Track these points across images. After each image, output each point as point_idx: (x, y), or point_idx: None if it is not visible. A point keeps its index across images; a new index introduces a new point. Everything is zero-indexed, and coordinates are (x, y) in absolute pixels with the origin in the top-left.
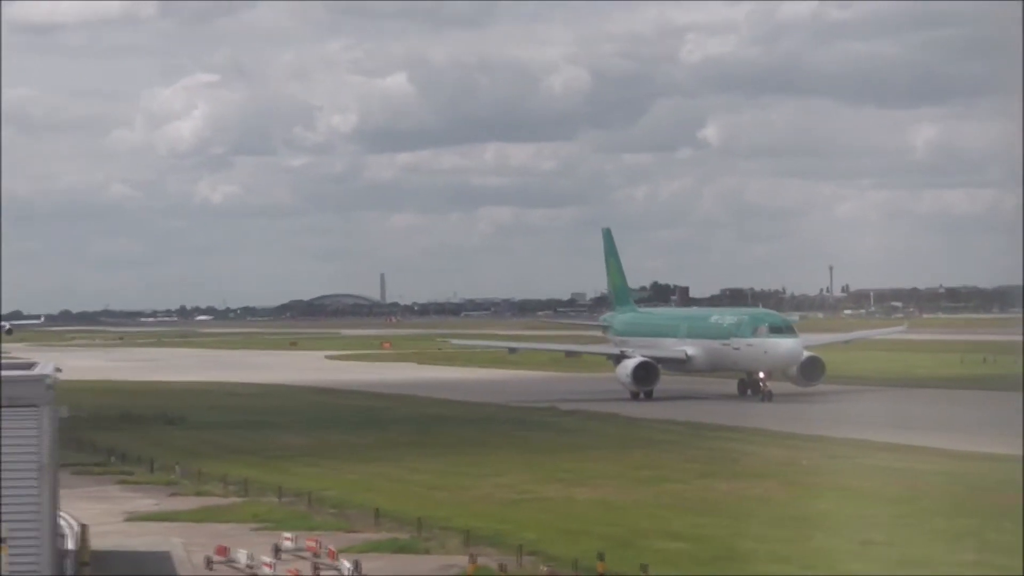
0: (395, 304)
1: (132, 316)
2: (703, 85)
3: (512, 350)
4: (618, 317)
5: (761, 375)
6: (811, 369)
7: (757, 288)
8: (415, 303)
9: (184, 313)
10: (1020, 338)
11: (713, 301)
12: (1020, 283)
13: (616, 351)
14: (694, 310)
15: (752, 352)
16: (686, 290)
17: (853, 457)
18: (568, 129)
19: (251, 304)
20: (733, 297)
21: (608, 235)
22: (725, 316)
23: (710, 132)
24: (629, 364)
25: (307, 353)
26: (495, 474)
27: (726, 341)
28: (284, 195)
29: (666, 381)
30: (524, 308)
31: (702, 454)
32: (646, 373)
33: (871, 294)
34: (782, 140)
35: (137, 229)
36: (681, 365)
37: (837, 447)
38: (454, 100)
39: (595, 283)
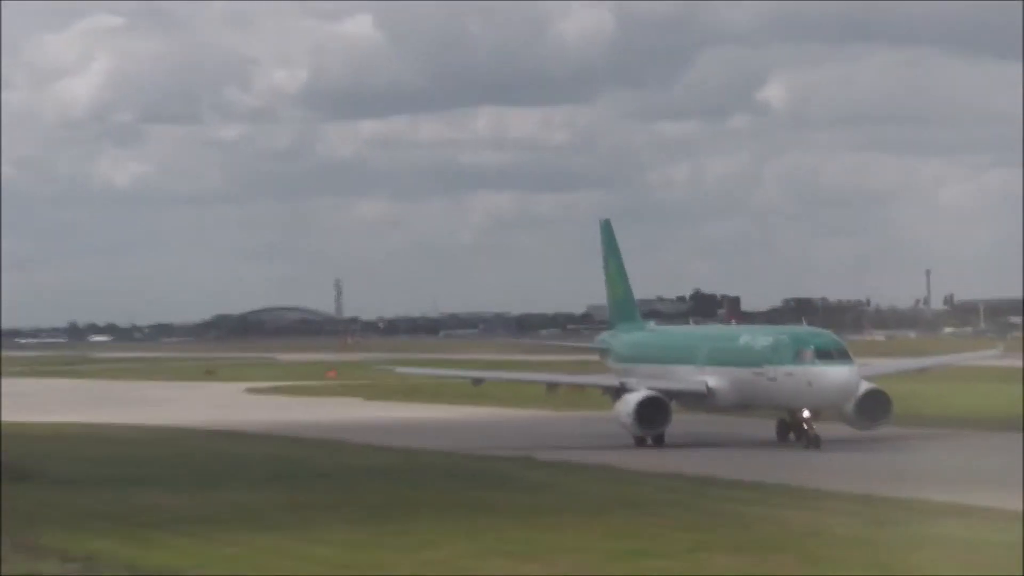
0: (354, 320)
1: (7, 336)
2: (765, 30)
3: (477, 381)
4: (620, 338)
5: (805, 414)
6: (873, 406)
7: (832, 298)
8: (380, 318)
9: (75, 332)
10: None
11: (772, 316)
12: None
13: (615, 382)
14: (721, 328)
15: (792, 384)
16: (736, 301)
17: (905, 523)
18: (586, 89)
19: (166, 320)
20: (799, 310)
21: (607, 228)
22: (758, 336)
23: (773, 93)
24: (631, 400)
25: (225, 385)
26: (426, 546)
27: (759, 369)
28: (212, 176)
29: (684, 422)
30: (523, 325)
31: (704, 519)
32: (654, 412)
33: (980, 307)
34: (870, 104)
35: (17, 221)
36: (701, 400)
37: (888, 509)
38: (436, 50)
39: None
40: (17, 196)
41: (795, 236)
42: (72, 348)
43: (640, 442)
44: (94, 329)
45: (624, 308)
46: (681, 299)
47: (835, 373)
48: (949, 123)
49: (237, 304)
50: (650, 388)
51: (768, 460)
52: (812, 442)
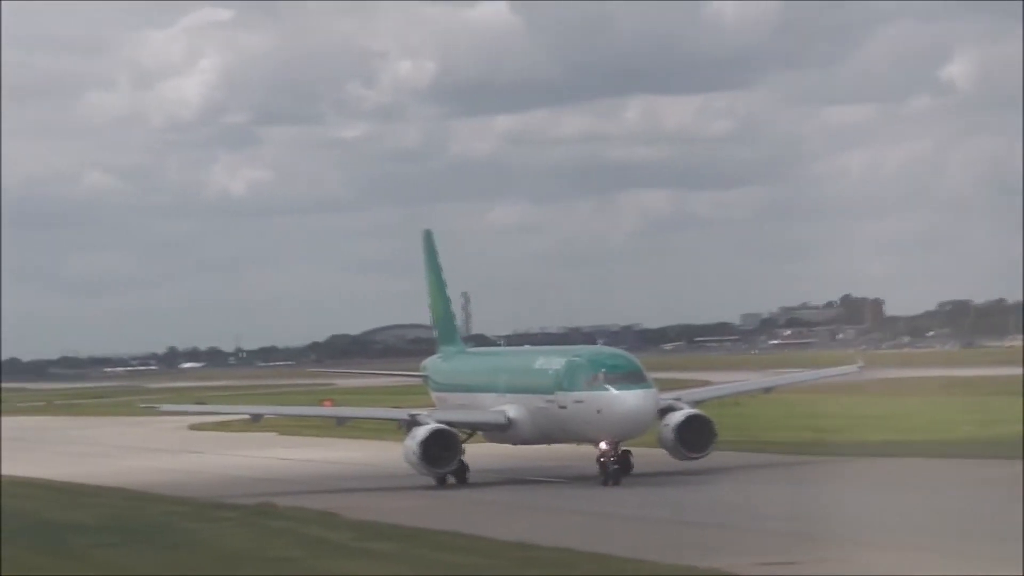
0: (479, 337)
1: (97, 364)
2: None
3: (255, 417)
4: (436, 364)
5: (603, 446)
6: (692, 434)
7: (1008, 299)
8: (499, 336)
9: (172, 357)
10: None
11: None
12: None
13: (404, 415)
14: (525, 351)
15: (582, 412)
16: (879, 305)
17: None
18: (747, 73)
19: (275, 343)
20: (955, 312)
21: (429, 238)
22: (552, 358)
23: (960, 70)
24: (417, 435)
25: (177, 421)
26: None
27: (551, 396)
28: (332, 181)
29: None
30: (658, 338)
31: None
32: (441, 448)
33: None
34: None
35: (121, 236)
36: (504, 432)
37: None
38: (578, 36)
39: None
40: (120, 209)
41: (980, 230)
42: (156, 376)
43: (441, 481)
44: (190, 355)
45: (445, 329)
46: (830, 304)
47: (626, 399)
48: None
49: (357, 322)
50: (440, 421)
51: (547, 499)
52: (610, 477)
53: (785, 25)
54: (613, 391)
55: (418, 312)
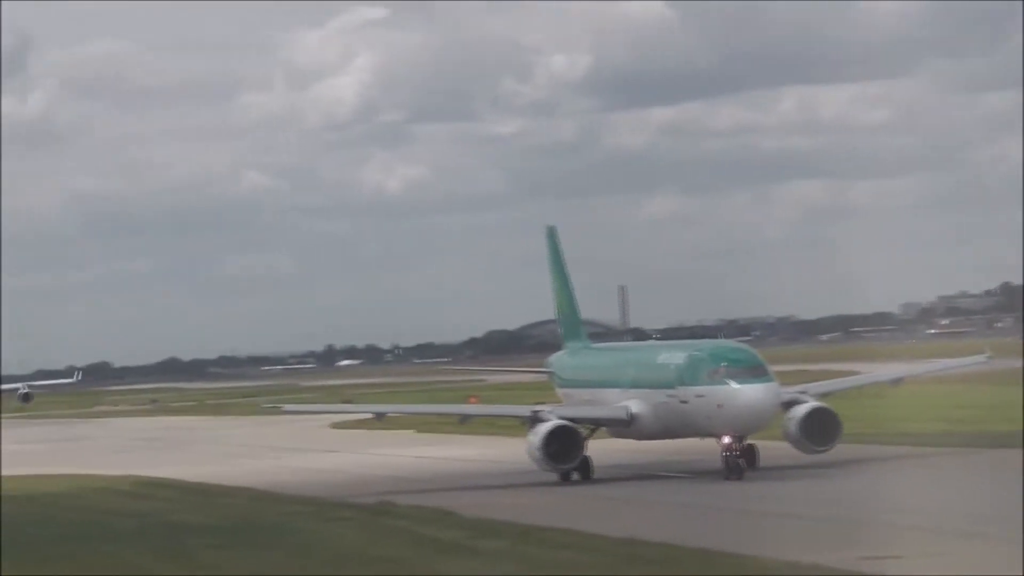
0: (635, 330)
1: (255, 363)
2: None
3: (378, 416)
4: (562, 359)
5: (725, 439)
6: (817, 427)
7: None
8: (655, 330)
9: (329, 356)
10: None
11: None
12: None
13: (526, 412)
14: (649, 345)
15: (703, 406)
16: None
17: None
18: (904, 60)
19: (433, 339)
20: None
21: (552, 236)
22: (675, 353)
23: None
24: (540, 432)
25: (320, 420)
26: None
27: (672, 391)
28: (487, 178)
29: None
30: (814, 328)
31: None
32: (563, 444)
33: None
34: None
35: (279, 236)
36: (626, 427)
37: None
38: (732, 26)
39: (942, 285)
40: (277, 209)
41: None
42: (312, 374)
43: (564, 477)
44: (348, 353)
45: (570, 325)
46: (989, 293)
47: (747, 393)
48: None
49: (514, 318)
50: (562, 417)
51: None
52: (733, 471)
53: (942, 10)
54: (734, 385)
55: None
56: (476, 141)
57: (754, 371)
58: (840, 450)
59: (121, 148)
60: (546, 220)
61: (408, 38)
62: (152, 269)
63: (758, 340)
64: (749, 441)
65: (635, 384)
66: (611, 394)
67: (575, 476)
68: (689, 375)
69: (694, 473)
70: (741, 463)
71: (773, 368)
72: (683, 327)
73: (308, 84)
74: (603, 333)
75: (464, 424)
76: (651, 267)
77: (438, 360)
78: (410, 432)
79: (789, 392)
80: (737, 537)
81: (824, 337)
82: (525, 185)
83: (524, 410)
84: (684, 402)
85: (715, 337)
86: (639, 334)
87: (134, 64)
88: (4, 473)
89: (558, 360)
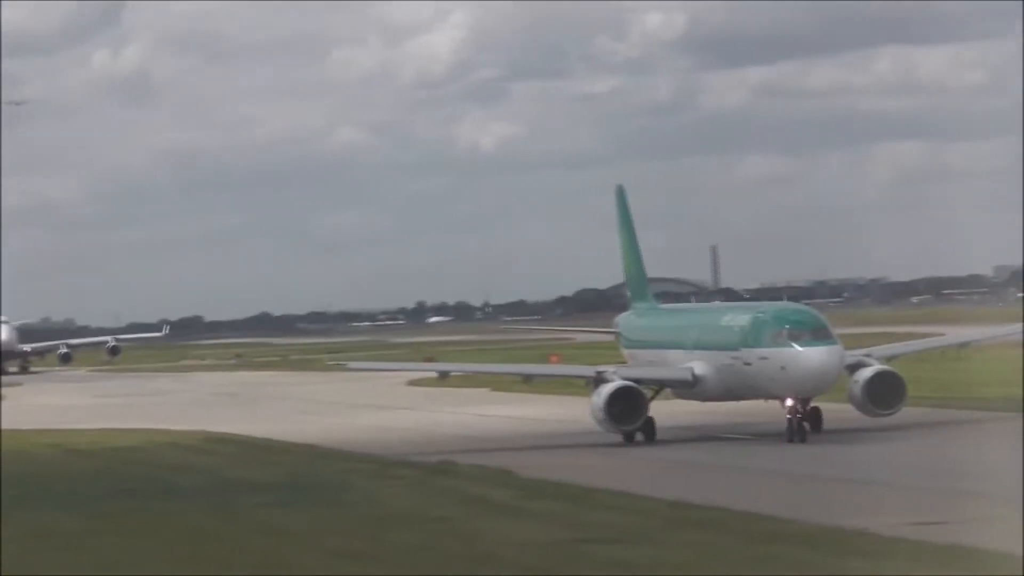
0: (726, 290)
1: (345, 319)
2: None
3: (443, 374)
4: (629, 320)
5: (788, 402)
6: (882, 390)
7: None
8: (745, 289)
9: (419, 312)
10: None
11: None
12: None
13: (591, 372)
14: (715, 307)
15: (766, 368)
16: None
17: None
18: (1001, 21)
19: (524, 297)
20: None
21: (621, 195)
22: (739, 315)
23: None
24: (603, 392)
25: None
26: None
27: (736, 353)
28: (581, 136)
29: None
30: (905, 291)
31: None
32: (626, 405)
33: None
34: None
35: (372, 192)
36: (690, 389)
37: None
38: None
39: None
40: (371, 166)
41: None
42: (401, 330)
43: (628, 438)
44: (438, 310)
45: (637, 286)
46: None
47: (810, 356)
48: None
49: (606, 276)
50: (625, 378)
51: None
52: (797, 434)
53: None
54: (797, 348)
55: (665, 266)
56: (570, 99)
57: (817, 333)
58: (908, 414)
59: (215, 104)
60: (640, 179)
61: None
62: (245, 225)
63: (848, 301)
64: (814, 404)
65: (699, 345)
66: (675, 355)
67: (639, 437)
68: (752, 337)
69: (759, 436)
70: (804, 426)
71: (860, 329)
72: (774, 287)
73: (403, 41)
74: (694, 293)
75: (535, 383)
76: (744, 227)
77: (528, 318)
78: (485, 390)
79: (854, 355)
80: (789, 500)
81: (915, 299)
82: (619, 144)
83: (588, 370)
84: (747, 364)
85: (799, 299)
86: (729, 294)
87: (229, 20)
88: (80, 427)
89: (624, 320)
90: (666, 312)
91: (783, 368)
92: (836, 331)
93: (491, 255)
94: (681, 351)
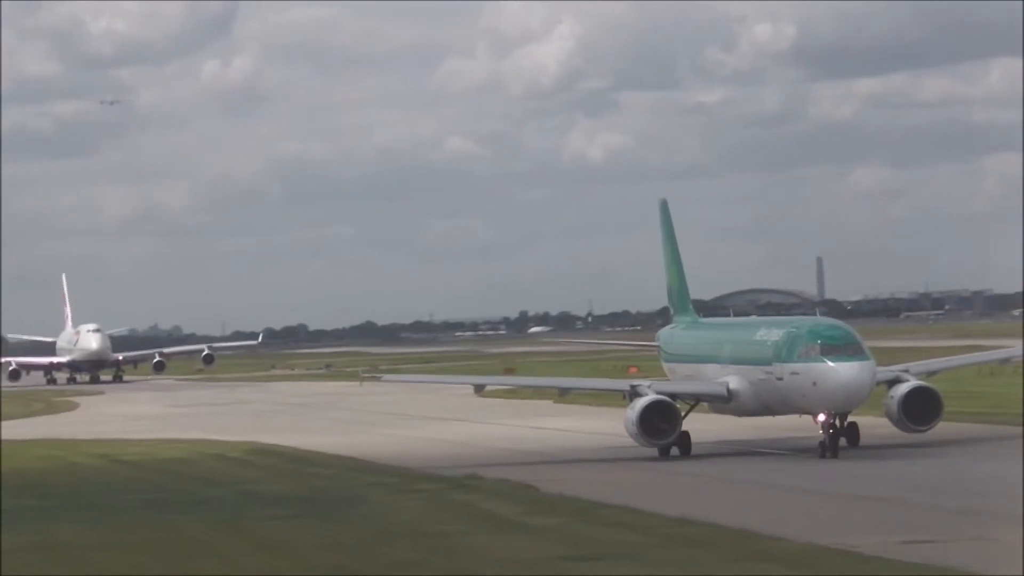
0: (829, 302)
1: (448, 328)
2: None
3: (478, 388)
4: (670, 333)
5: (820, 418)
6: (918, 406)
7: None
8: (848, 301)
9: (521, 322)
10: None
11: None
12: None
13: (625, 386)
14: (751, 321)
15: (798, 383)
16: None
17: None
18: None
19: (628, 307)
20: None
21: (665, 209)
22: (772, 330)
23: None
24: (637, 406)
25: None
26: None
27: (769, 368)
28: (690, 147)
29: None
30: (1008, 303)
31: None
32: (660, 419)
33: None
34: None
35: (480, 202)
36: (725, 404)
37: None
38: None
39: None
40: (479, 176)
41: None
42: (498, 342)
43: (664, 452)
44: (540, 320)
45: (679, 299)
46: None
47: (841, 371)
48: None
49: (709, 288)
50: (659, 392)
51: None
52: (829, 450)
53: None
54: (829, 363)
55: (771, 277)
56: (679, 110)
57: (849, 349)
58: (949, 429)
59: (324, 113)
60: (748, 190)
61: (611, 5)
62: (352, 234)
63: (949, 314)
64: (851, 418)
65: (734, 360)
66: (711, 369)
67: (675, 451)
68: (785, 352)
69: (794, 451)
70: (838, 442)
71: (949, 343)
72: (877, 299)
73: (511, 51)
74: (796, 304)
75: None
76: (851, 239)
77: (629, 329)
78: (547, 403)
79: (892, 371)
80: (787, 516)
81: (1016, 312)
82: (727, 155)
83: (623, 384)
84: (780, 379)
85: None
86: (833, 306)
87: (338, 30)
88: (138, 437)
89: (665, 334)
90: (704, 326)
91: (815, 383)
92: (932, 344)
93: (597, 265)
94: (717, 365)
